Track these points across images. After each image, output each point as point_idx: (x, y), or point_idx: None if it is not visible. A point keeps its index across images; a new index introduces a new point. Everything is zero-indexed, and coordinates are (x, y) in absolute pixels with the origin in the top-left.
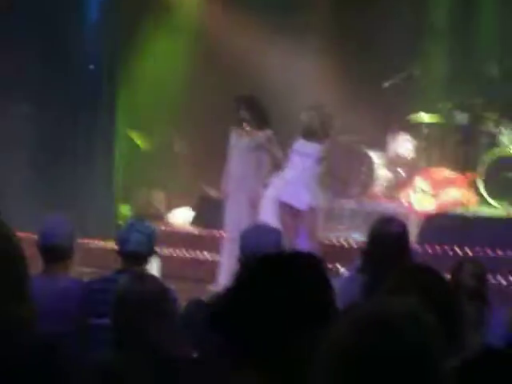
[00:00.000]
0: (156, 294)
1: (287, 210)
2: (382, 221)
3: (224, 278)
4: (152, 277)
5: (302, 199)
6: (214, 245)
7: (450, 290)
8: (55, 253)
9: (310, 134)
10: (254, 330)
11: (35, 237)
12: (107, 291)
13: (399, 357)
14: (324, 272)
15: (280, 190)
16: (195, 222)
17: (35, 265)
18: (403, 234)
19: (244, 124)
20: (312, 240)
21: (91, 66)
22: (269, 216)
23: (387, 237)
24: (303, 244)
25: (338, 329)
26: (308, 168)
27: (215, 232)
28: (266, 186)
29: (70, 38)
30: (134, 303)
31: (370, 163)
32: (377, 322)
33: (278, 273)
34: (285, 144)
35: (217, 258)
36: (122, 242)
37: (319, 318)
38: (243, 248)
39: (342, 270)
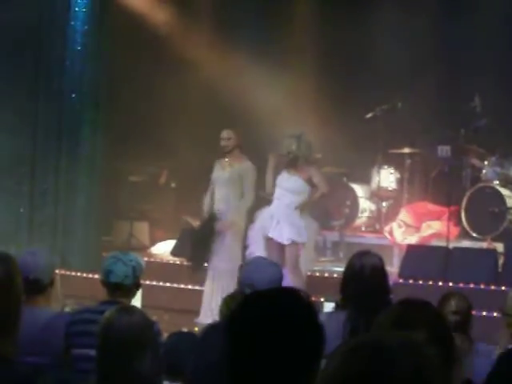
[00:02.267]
0: (141, 326)
1: (273, 245)
2: (357, 255)
3: (207, 309)
4: (137, 309)
5: (284, 233)
6: (196, 276)
7: (449, 328)
8: (35, 285)
9: (292, 162)
10: (248, 369)
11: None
12: (92, 322)
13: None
14: (313, 310)
15: (266, 224)
16: (176, 252)
17: None
18: (378, 266)
19: (226, 155)
20: (294, 274)
21: (73, 95)
22: (257, 250)
23: (363, 270)
24: (286, 278)
25: (333, 359)
26: (291, 202)
27: None
28: (252, 220)
29: (53, 66)
30: (119, 335)
31: (353, 196)
32: (371, 350)
33: (266, 312)
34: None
35: (198, 288)
36: (106, 273)
37: (309, 357)
38: (242, 280)
39: (324, 304)
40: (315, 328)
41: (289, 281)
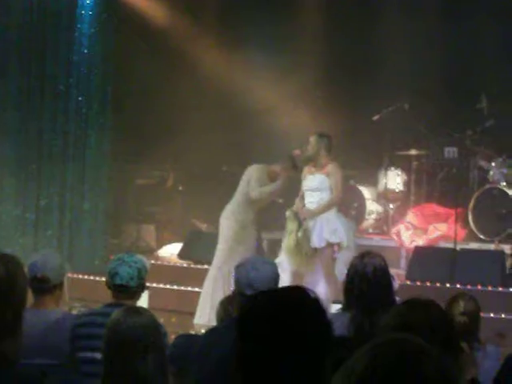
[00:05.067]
0: (148, 327)
1: None
2: (359, 256)
3: (205, 308)
4: (145, 310)
5: (322, 234)
6: (202, 279)
7: (454, 327)
8: (44, 284)
9: (312, 161)
10: (258, 367)
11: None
12: (96, 325)
13: None
14: (321, 308)
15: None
16: (183, 255)
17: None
18: (381, 266)
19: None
20: (329, 282)
21: (80, 98)
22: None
23: (365, 271)
24: (319, 286)
25: (358, 358)
26: (321, 199)
27: (204, 266)
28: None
29: (59, 69)
30: (126, 337)
31: (360, 198)
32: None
33: (275, 310)
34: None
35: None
36: (111, 275)
37: (318, 354)
38: (239, 280)
39: (331, 305)
40: (324, 325)
41: (322, 289)
